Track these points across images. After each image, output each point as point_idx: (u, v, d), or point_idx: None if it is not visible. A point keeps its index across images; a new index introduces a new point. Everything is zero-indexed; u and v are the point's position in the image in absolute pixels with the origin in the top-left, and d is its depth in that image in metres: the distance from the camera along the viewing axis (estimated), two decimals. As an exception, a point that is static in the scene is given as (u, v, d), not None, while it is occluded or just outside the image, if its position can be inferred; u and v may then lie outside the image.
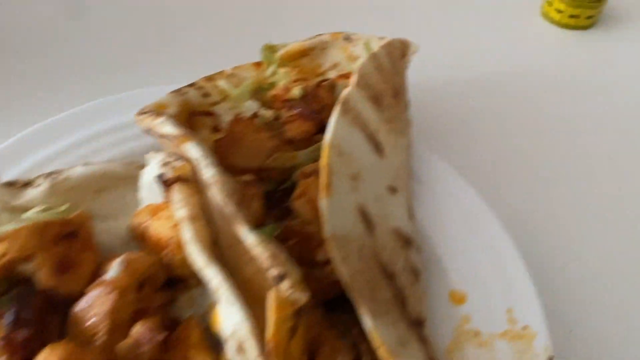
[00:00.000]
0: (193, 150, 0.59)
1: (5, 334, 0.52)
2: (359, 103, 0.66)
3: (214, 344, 0.55)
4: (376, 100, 0.69)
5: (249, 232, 0.52)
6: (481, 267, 0.66)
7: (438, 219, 0.70)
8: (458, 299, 0.65)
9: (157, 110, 0.68)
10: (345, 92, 0.65)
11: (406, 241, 0.64)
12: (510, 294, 0.63)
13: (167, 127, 0.63)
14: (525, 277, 0.64)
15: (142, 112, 0.69)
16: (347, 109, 0.64)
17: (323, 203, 0.57)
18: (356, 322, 0.57)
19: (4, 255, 0.57)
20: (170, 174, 0.63)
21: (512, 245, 0.67)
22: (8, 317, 0.53)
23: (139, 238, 0.64)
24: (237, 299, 0.50)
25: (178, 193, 0.61)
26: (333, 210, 0.57)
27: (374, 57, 0.72)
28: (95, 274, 0.60)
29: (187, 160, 0.64)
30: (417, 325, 0.58)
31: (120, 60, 0.97)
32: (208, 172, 0.57)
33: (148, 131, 0.68)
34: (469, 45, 1.04)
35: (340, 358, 0.54)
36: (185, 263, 0.60)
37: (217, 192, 0.56)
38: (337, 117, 0.63)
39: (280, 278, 0.50)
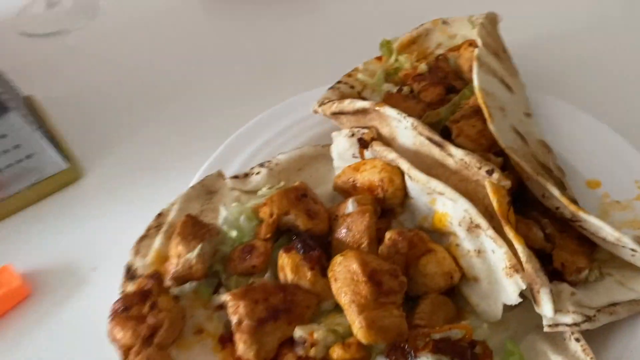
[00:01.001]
0: (389, 110, 0.81)
1: (303, 255, 0.74)
2: (487, 57, 0.88)
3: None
4: (496, 54, 0.91)
5: (455, 148, 0.74)
6: (605, 162, 0.87)
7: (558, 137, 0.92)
8: (594, 185, 0.86)
9: (338, 97, 0.91)
10: (476, 51, 0.88)
11: (548, 149, 0.86)
12: (634, 172, 0.84)
13: (359, 103, 0.85)
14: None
15: (322, 103, 0.92)
16: (481, 63, 0.86)
17: (491, 127, 0.79)
18: (531, 209, 0.79)
19: (272, 214, 0.80)
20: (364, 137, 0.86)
21: (627, 141, 0.88)
22: (298, 247, 0.75)
23: (348, 191, 0.86)
24: (460, 195, 0.72)
25: (377, 146, 0.83)
26: (499, 130, 0.78)
27: (482, 25, 0.94)
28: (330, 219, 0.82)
29: (369, 128, 0.87)
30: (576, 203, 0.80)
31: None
32: (407, 121, 0.79)
33: (335, 114, 0.90)
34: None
35: (535, 228, 0.75)
36: (395, 194, 0.82)
37: (418, 130, 0.78)
38: (477, 69, 0.85)
39: (491, 172, 0.71)
